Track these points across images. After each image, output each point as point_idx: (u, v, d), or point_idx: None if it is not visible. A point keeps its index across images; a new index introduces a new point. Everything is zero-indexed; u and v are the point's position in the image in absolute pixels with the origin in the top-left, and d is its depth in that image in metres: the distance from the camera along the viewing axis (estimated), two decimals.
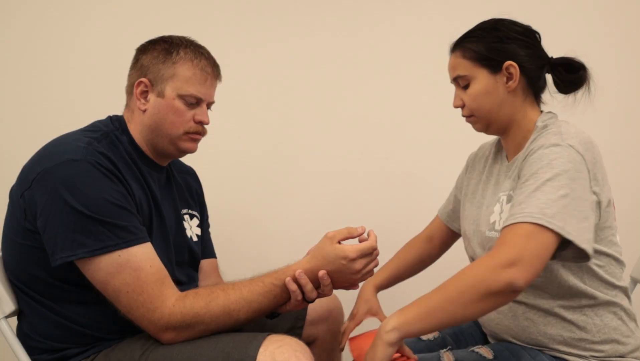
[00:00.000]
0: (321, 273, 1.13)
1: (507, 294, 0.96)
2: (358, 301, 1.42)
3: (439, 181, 1.95)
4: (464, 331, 1.39)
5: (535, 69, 1.19)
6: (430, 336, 1.36)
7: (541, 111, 1.23)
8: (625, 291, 1.18)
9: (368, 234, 1.18)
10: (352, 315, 1.41)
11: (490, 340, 1.30)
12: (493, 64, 1.18)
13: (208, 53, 1.27)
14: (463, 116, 1.26)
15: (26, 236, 1.13)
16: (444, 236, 1.51)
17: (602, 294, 1.13)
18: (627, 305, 1.17)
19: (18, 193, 1.14)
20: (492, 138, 1.38)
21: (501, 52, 1.18)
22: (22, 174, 1.16)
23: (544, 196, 1.00)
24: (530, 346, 1.17)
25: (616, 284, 1.15)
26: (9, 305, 1.18)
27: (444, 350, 1.19)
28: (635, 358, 1.15)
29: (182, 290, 1.13)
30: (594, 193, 1.07)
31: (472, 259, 1.30)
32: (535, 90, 1.22)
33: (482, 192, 1.31)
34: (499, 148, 1.33)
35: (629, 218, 1.92)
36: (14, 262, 1.18)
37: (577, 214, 1.00)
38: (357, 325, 1.41)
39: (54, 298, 1.15)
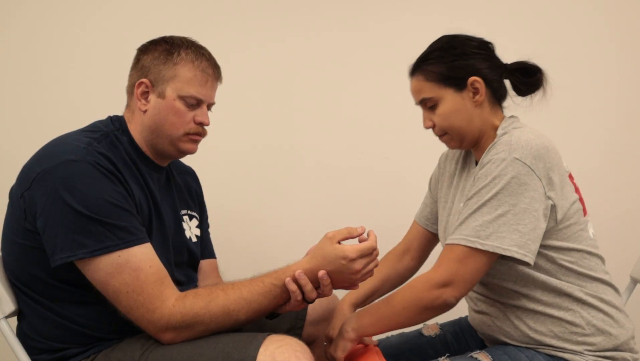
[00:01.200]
0: (321, 273, 1.13)
1: (442, 309, 1.13)
2: (334, 319, 1.39)
3: None
4: (464, 330, 1.40)
5: (496, 79, 1.23)
6: (431, 332, 1.39)
7: (504, 117, 1.26)
8: (606, 283, 1.19)
9: (368, 234, 1.18)
10: (329, 335, 1.35)
11: (486, 343, 1.31)
12: (457, 82, 1.20)
13: (209, 54, 1.27)
14: (436, 134, 1.28)
15: (26, 236, 1.13)
16: (423, 243, 1.49)
17: (579, 288, 1.15)
18: (610, 297, 1.18)
19: (18, 193, 1.14)
20: None
21: (463, 69, 1.20)
22: (22, 174, 1.16)
23: (481, 218, 1.09)
24: (525, 347, 1.18)
25: (594, 276, 1.17)
26: (9, 305, 1.18)
27: (443, 357, 1.20)
28: (630, 349, 1.16)
29: (181, 291, 1.13)
30: (549, 197, 1.11)
31: None
32: (498, 98, 1.25)
33: (451, 198, 1.33)
34: (467, 153, 1.35)
35: (629, 218, 1.92)
36: (13, 262, 1.18)
37: (519, 228, 1.08)
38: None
39: (54, 298, 1.15)
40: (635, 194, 2.01)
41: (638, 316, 1.29)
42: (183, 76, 1.21)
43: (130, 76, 1.27)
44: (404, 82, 2.00)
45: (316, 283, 1.15)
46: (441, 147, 1.99)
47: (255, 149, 2.01)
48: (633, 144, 2.01)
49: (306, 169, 2.02)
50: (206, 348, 1.07)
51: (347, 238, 1.17)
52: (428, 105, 1.24)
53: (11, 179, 1.19)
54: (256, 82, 1.99)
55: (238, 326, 1.13)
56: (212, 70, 1.25)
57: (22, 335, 1.19)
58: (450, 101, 1.21)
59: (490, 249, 1.08)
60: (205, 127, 1.28)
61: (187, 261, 1.34)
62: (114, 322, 1.14)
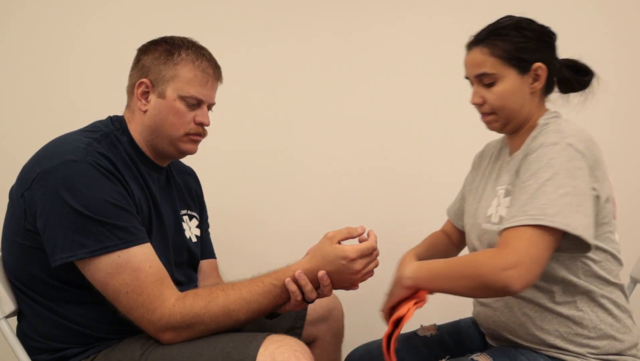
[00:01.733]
0: (321, 273, 1.13)
1: (502, 292, 1.02)
2: (397, 269, 1.30)
3: (439, 181, 1.95)
4: (462, 331, 1.38)
5: (555, 70, 1.21)
6: (427, 333, 1.37)
7: (547, 110, 1.24)
8: (621, 289, 1.19)
9: (368, 235, 1.18)
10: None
11: (488, 338, 1.30)
12: (523, 65, 1.17)
13: (209, 54, 1.27)
14: (482, 112, 1.23)
15: (26, 236, 1.14)
16: (456, 234, 1.49)
17: (597, 289, 1.14)
18: (623, 302, 1.17)
19: (18, 193, 1.14)
20: (497, 137, 1.38)
21: (532, 52, 1.17)
22: (22, 174, 1.16)
23: (545, 197, 1.03)
24: (527, 347, 1.17)
25: (612, 281, 1.16)
26: (9, 305, 1.18)
27: (443, 360, 1.19)
28: (633, 355, 1.15)
29: (181, 291, 1.13)
30: (593, 188, 1.08)
31: (473, 250, 1.30)
32: (548, 90, 1.23)
33: (483, 187, 1.32)
34: (502, 145, 1.33)
35: (629, 218, 1.92)
36: (13, 262, 1.18)
37: (582, 210, 1.03)
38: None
39: (54, 299, 1.15)
40: (635, 194, 2.01)
41: (638, 316, 1.28)
42: (183, 76, 1.21)
43: (131, 76, 1.27)
44: (405, 83, 2.01)
45: (316, 283, 1.15)
46: (442, 148, 2.00)
47: (255, 149, 2.01)
48: (633, 144, 2.01)
49: (306, 169, 2.02)
50: (206, 348, 1.07)
51: (347, 238, 1.17)
52: (485, 81, 1.19)
53: (11, 179, 1.19)
54: (256, 83, 1.99)
55: (238, 326, 1.13)
56: (213, 70, 1.25)
57: (22, 335, 1.19)
58: (510, 81, 1.17)
59: (560, 226, 1.00)
60: (206, 128, 1.28)
61: (187, 261, 1.35)
62: (114, 322, 1.14)
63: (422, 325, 1.40)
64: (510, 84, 1.18)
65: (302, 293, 1.14)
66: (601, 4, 2.01)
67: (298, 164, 2.02)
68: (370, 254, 1.15)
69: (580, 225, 1.02)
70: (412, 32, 1.98)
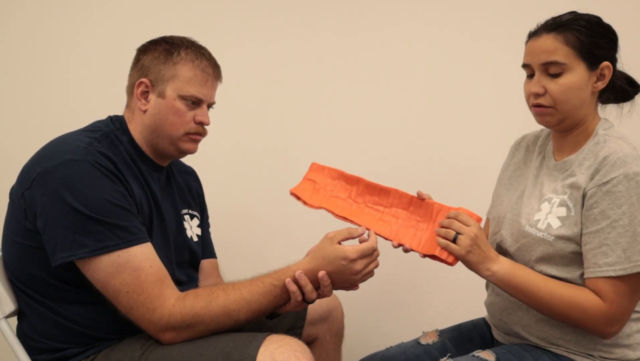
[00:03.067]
0: (321, 273, 1.13)
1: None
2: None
3: (439, 181, 1.95)
4: (463, 336, 1.37)
5: (616, 76, 1.18)
6: (429, 340, 1.35)
7: (599, 116, 1.21)
8: None
9: (368, 235, 1.18)
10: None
11: (496, 333, 1.29)
12: (593, 61, 1.12)
13: (209, 54, 1.27)
14: (538, 103, 1.16)
15: (26, 236, 1.14)
16: None
17: None
18: None
19: (18, 193, 1.14)
20: (535, 130, 1.34)
21: (602, 50, 1.13)
22: (22, 174, 1.16)
23: (637, 239, 1.05)
24: (535, 344, 1.17)
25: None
26: (9, 305, 1.19)
27: (444, 358, 1.18)
28: None
29: (182, 290, 1.13)
30: None
31: (497, 246, 1.27)
32: (603, 95, 1.20)
33: (518, 179, 1.28)
34: (545, 140, 1.28)
35: None
36: (14, 262, 1.19)
37: None
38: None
39: (54, 298, 1.15)
40: None
41: None
42: (183, 76, 1.21)
43: (130, 75, 1.27)
44: (405, 83, 2.01)
45: (316, 284, 1.15)
46: (442, 148, 2.00)
47: (256, 149, 2.00)
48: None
49: (306, 168, 2.02)
50: (206, 348, 1.07)
51: (347, 239, 1.17)
52: (551, 70, 1.13)
53: (11, 179, 1.19)
54: (256, 82, 1.99)
55: (238, 326, 1.13)
56: (212, 70, 1.25)
57: (22, 335, 1.19)
58: (578, 75, 1.12)
59: None
60: (206, 127, 1.28)
61: (188, 261, 1.35)
62: (114, 322, 1.14)
63: (424, 332, 1.39)
64: (578, 78, 1.12)
65: (303, 293, 1.14)
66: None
67: (298, 163, 2.01)
68: (371, 255, 1.15)
69: None
70: (412, 32, 1.97)
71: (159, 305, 1.07)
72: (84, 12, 1.95)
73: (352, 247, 1.14)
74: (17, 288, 1.19)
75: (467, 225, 1.14)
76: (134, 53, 1.28)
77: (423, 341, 1.35)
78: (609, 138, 1.13)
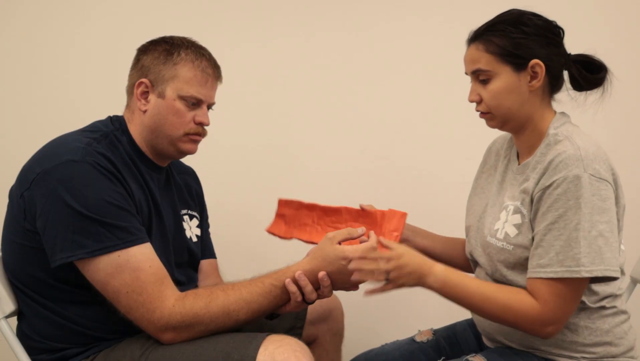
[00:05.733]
0: (321, 274, 1.13)
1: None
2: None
3: (439, 180, 1.95)
4: (457, 335, 1.37)
5: (558, 68, 1.16)
6: (423, 338, 1.36)
7: (554, 112, 1.19)
8: (620, 294, 1.17)
9: (368, 236, 1.18)
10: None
11: (484, 340, 1.29)
12: (518, 62, 1.12)
13: (209, 54, 1.27)
14: (478, 111, 1.20)
15: (25, 236, 1.14)
16: None
17: (594, 298, 1.12)
18: (621, 306, 1.16)
19: (18, 193, 1.14)
20: (504, 133, 1.34)
21: (527, 49, 1.12)
22: (21, 174, 1.16)
23: (578, 244, 1.04)
24: (523, 350, 1.17)
25: (611, 290, 1.14)
26: (9, 305, 1.19)
27: (439, 360, 1.19)
28: (630, 357, 1.15)
29: (181, 291, 1.13)
30: (617, 207, 1.10)
31: (470, 255, 1.28)
32: (553, 89, 1.18)
33: (489, 186, 1.29)
34: (510, 145, 1.29)
35: (628, 218, 1.91)
36: (13, 262, 1.19)
37: (613, 244, 1.06)
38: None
39: (54, 299, 1.15)
40: (634, 193, 2.00)
41: (638, 316, 1.28)
42: (183, 76, 1.21)
43: (130, 76, 1.27)
44: (405, 82, 2.01)
45: (316, 284, 1.15)
46: (442, 147, 2.00)
47: (255, 149, 2.00)
48: (632, 143, 2.01)
49: (306, 168, 2.02)
50: (206, 348, 1.07)
51: (347, 239, 1.17)
52: (480, 78, 1.16)
53: (11, 179, 1.19)
54: (256, 82, 1.99)
55: (238, 326, 1.13)
56: (212, 70, 1.25)
57: (22, 335, 1.19)
58: (505, 79, 1.13)
59: (598, 274, 1.04)
60: (205, 128, 1.28)
61: (187, 261, 1.35)
62: (113, 322, 1.14)
63: (419, 330, 1.39)
64: (505, 82, 1.13)
65: (302, 293, 1.14)
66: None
67: (298, 163, 2.02)
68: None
69: (613, 264, 1.05)
70: (412, 32, 1.97)
71: (158, 305, 1.07)
72: (84, 11, 1.95)
73: (351, 247, 1.14)
74: (17, 288, 1.19)
75: (388, 260, 1.11)
76: (133, 53, 1.28)
77: (418, 339, 1.36)
78: (558, 138, 1.11)
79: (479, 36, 1.16)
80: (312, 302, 1.17)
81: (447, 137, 1.96)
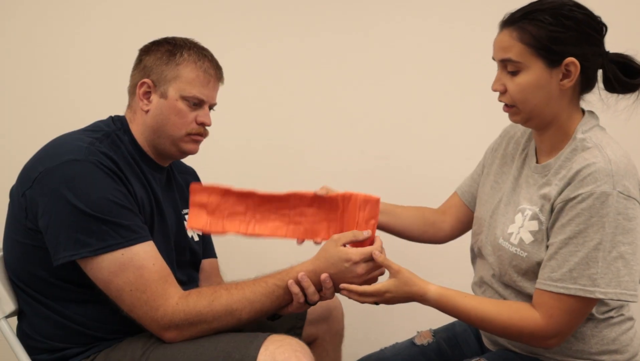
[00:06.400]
0: (323, 276, 1.13)
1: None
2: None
3: (439, 180, 1.95)
4: (458, 336, 1.35)
5: (594, 68, 1.07)
6: (424, 341, 1.33)
7: (582, 111, 1.12)
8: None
9: (374, 240, 1.18)
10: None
11: (485, 342, 1.28)
12: (553, 58, 1.03)
13: (211, 55, 1.27)
14: (500, 101, 1.11)
15: (27, 235, 1.14)
16: (459, 214, 1.37)
17: (603, 309, 1.10)
18: (627, 314, 1.14)
19: (19, 192, 1.14)
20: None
21: (564, 45, 1.03)
22: (23, 173, 1.16)
23: (596, 265, 1.00)
24: (527, 355, 1.15)
25: (619, 302, 1.11)
26: (9, 305, 1.19)
27: None
28: None
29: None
30: None
31: (476, 247, 1.25)
32: (584, 89, 1.10)
33: (503, 177, 1.23)
34: (530, 137, 1.21)
35: None
36: (15, 261, 1.19)
37: (634, 269, 1.01)
38: None
39: (55, 298, 1.15)
40: None
41: (637, 316, 1.28)
42: (185, 77, 1.22)
43: (132, 76, 1.27)
44: (406, 82, 2.01)
45: (319, 286, 1.15)
46: (442, 147, 2.00)
47: (256, 149, 2.01)
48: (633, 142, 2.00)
49: (306, 168, 2.02)
50: (207, 348, 1.07)
51: (351, 241, 1.17)
52: (509, 68, 1.06)
53: (11, 179, 1.19)
54: (257, 82, 1.99)
55: (240, 325, 1.13)
56: (214, 71, 1.26)
57: (23, 334, 1.19)
58: (536, 73, 1.04)
59: (614, 297, 1.00)
60: (207, 128, 1.28)
61: (189, 261, 1.35)
62: (114, 322, 1.15)
63: (418, 332, 1.38)
64: (535, 77, 1.05)
65: (305, 295, 1.14)
66: None
67: (299, 163, 2.02)
68: (374, 260, 1.15)
69: (630, 288, 1.00)
70: (413, 32, 1.98)
71: (162, 303, 1.08)
72: (84, 11, 1.95)
73: (355, 249, 1.14)
74: (18, 287, 1.19)
75: (372, 296, 1.11)
76: (135, 53, 1.28)
77: (418, 342, 1.34)
78: (587, 145, 1.05)
79: (515, 22, 1.06)
80: (315, 303, 1.17)
81: (447, 138, 1.97)
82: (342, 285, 1.12)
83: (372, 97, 2.00)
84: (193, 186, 1.22)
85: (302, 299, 1.14)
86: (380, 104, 2.00)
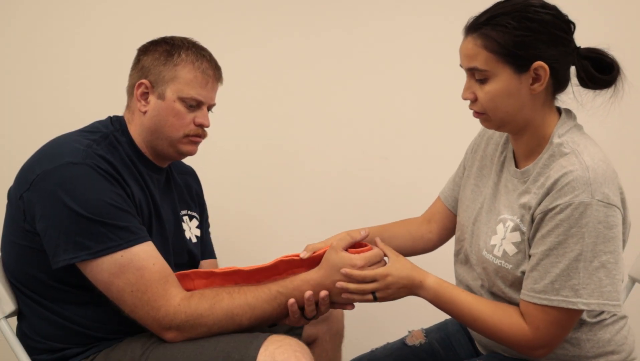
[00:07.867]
0: (322, 293, 1.12)
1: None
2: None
3: (439, 180, 1.95)
4: (451, 337, 1.33)
5: (565, 69, 1.04)
6: (416, 342, 1.32)
7: (558, 110, 1.10)
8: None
9: (375, 243, 1.18)
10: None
11: (478, 346, 1.27)
12: (520, 63, 1.01)
13: (210, 55, 1.26)
14: (471, 109, 1.09)
15: (24, 236, 1.14)
16: (445, 220, 1.34)
17: (594, 313, 1.10)
18: (620, 312, 1.12)
19: (17, 194, 1.14)
20: None
21: (531, 49, 1.00)
22: (20, 174, 1.16)
23: (578, 275, 0.99)
24: (519, 358, 1.15)
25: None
26: (9, 305, 1.19)
27: None
28: (632, 360, 1.13)
29: None
30: (627, 222, 1.06)
31: (465, 256, 1.22)
32: (557, 90, 1.08)
33: (483, 182, 1.21)
34: (507, 141, 1.18)
35: (630, 216, 1.91)
36: (13, 262, 1.19)
37: (616, 276, 1.00)
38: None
39: (53, 299, 1.15)
40: (634, 193, 2.00)
41: (637, 315, 1.28)
42: (183, 78, 1.21)
43: (131, 76, 1.26)
44: (405, 82, 2.01)
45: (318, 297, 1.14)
46: (442, 147, 2.00)
47: (255, 149, 2.01)
48: (632, 142, 2.00)
49: (306, 169, 2.02)
50: (207, 348, 1.07)
51: (350, 244, 1.16)
52: (477, 76, 1.04)
53: (11, 179, 1.19)
54: (256, 82, 1.99)
55: (240, 331, 1.12)
56: (213, 71, 1.25)
57: (22, 335, 1.19)
58: (504, 81, 1.01)
59: (597, 308, 1.00)
60: (205, 129, 1.28)
61: (187, 262, 1.34)
62: (114, 322, 1.15)
63: (409, 331, 1.37)
64: (504, 84, 1.02)
65: (302, 311, 1.14)
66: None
67: (298, 163, 2.02)
68: (378, 263, 1.15)
69: (613, 298, 1.00)
70: (413, 31, 1.97)
71: (163, 303, 1.08)
72: (84, 11, 1.95)
73: (359, 255, 1.13)
74: (17, 288, 1.19)
75: (373, 280, 1.10)
76: (134, 53, 1.28)
77: (409, 342, 1.32)
78: (564, 151, 1.03)
79: (478, 28, 1.03)
80: (313, 319, 1.17)
81: (448, 137, 1.96)
82: (343, 270, 1.11)
83: (372, 98, 1.99)
84: (177, 274, 1.15)
85: (297, 315, 1.14)
86: (380, 104, 1.99)
